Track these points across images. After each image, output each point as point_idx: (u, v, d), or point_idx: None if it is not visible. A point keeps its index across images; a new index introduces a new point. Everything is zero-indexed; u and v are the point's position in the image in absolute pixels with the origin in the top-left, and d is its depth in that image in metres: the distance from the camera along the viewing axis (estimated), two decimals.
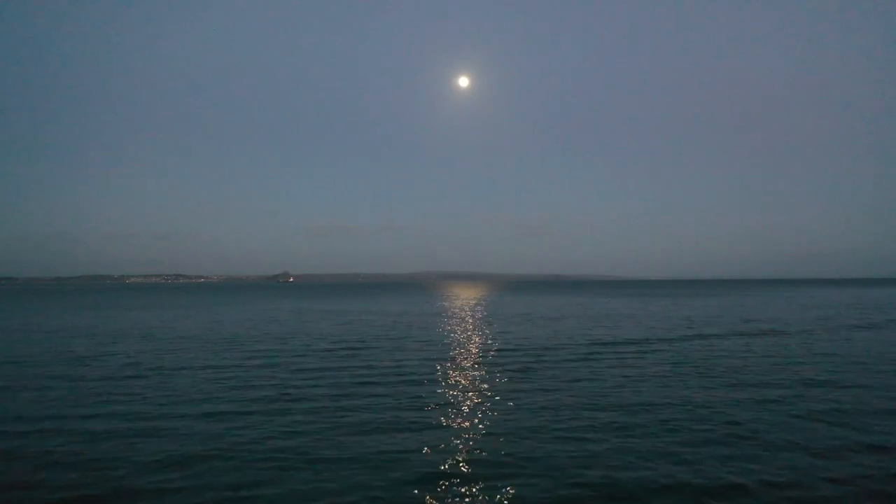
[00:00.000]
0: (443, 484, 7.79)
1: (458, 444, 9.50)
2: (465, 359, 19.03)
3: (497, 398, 12.91)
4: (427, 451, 9.12)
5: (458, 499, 7.34)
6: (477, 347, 22.00)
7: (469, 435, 10.04)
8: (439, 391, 13.77)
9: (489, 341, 24.03)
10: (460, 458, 8.77)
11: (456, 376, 15.77)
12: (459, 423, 10.80)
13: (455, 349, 21.47)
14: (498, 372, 16.38)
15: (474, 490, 7.59)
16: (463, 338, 25.55)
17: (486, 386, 14.36)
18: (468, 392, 13.65)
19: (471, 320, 36.29)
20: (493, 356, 19.60)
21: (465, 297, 79.60)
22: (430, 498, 7.37)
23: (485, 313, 43.38)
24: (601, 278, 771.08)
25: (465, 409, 11.99)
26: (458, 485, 7.77)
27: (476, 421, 10.97)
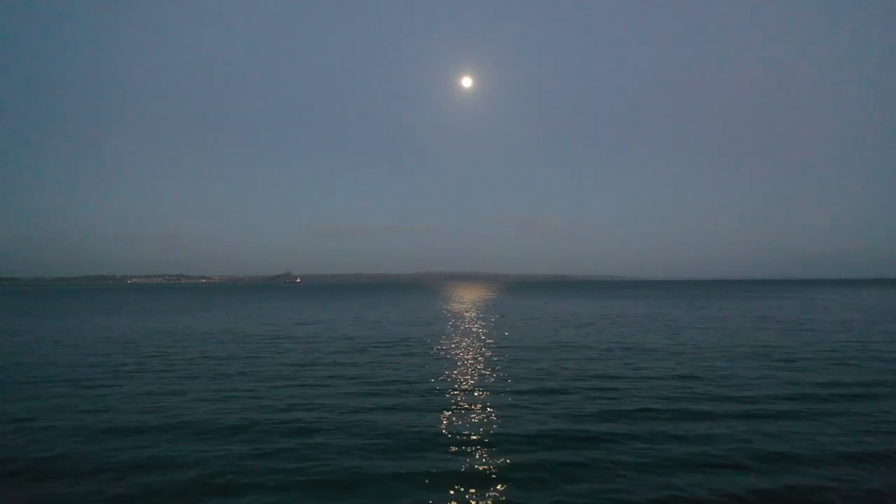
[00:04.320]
0: None
1: None
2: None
3: None
4: None
5: None
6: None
7: None
8: None
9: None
10: None
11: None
12: None
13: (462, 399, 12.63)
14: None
15: None
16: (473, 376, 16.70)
17: None
18: None
19: (488, 347, 27.41)
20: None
21: (471, 301, 70.73)
22: None
23: (513, 337, 34.44)
24: (606, 279, 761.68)
25: None
26: None
27: None
